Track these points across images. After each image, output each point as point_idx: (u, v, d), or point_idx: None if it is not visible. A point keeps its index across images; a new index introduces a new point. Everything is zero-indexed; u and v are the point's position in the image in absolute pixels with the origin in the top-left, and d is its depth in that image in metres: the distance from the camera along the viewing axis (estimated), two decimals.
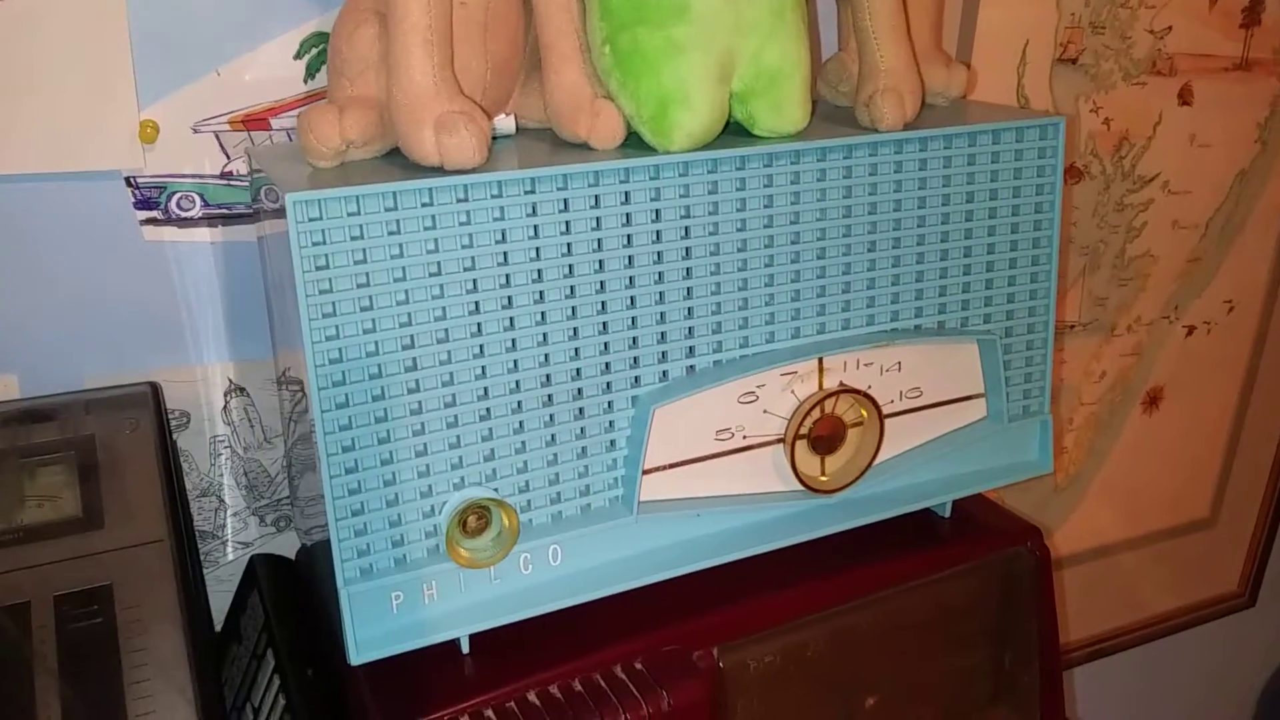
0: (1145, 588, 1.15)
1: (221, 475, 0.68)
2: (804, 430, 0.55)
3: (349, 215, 0.43)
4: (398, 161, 0.47)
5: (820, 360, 0.55)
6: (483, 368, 0.47)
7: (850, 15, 0.54)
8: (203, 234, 0.62)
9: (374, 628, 0.47)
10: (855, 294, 0.55)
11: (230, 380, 0.66)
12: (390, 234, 0.43)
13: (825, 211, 0.53)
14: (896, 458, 0.59)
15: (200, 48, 0.59)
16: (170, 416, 0.65)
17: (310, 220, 0.42)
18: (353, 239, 0.43)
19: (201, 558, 0.69)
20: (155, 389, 0.59)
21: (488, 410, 0.48)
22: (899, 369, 0.57)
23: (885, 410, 0.57)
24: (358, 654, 0.47)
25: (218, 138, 0.61)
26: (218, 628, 0.66)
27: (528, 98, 0.52)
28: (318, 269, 0.43)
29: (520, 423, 0.48)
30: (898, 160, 0.53)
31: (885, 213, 0.54)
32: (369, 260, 0.43)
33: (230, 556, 0.69)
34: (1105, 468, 1.05)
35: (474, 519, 0.48)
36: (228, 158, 0.61)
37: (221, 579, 0.69)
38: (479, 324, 0.46)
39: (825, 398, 0.54)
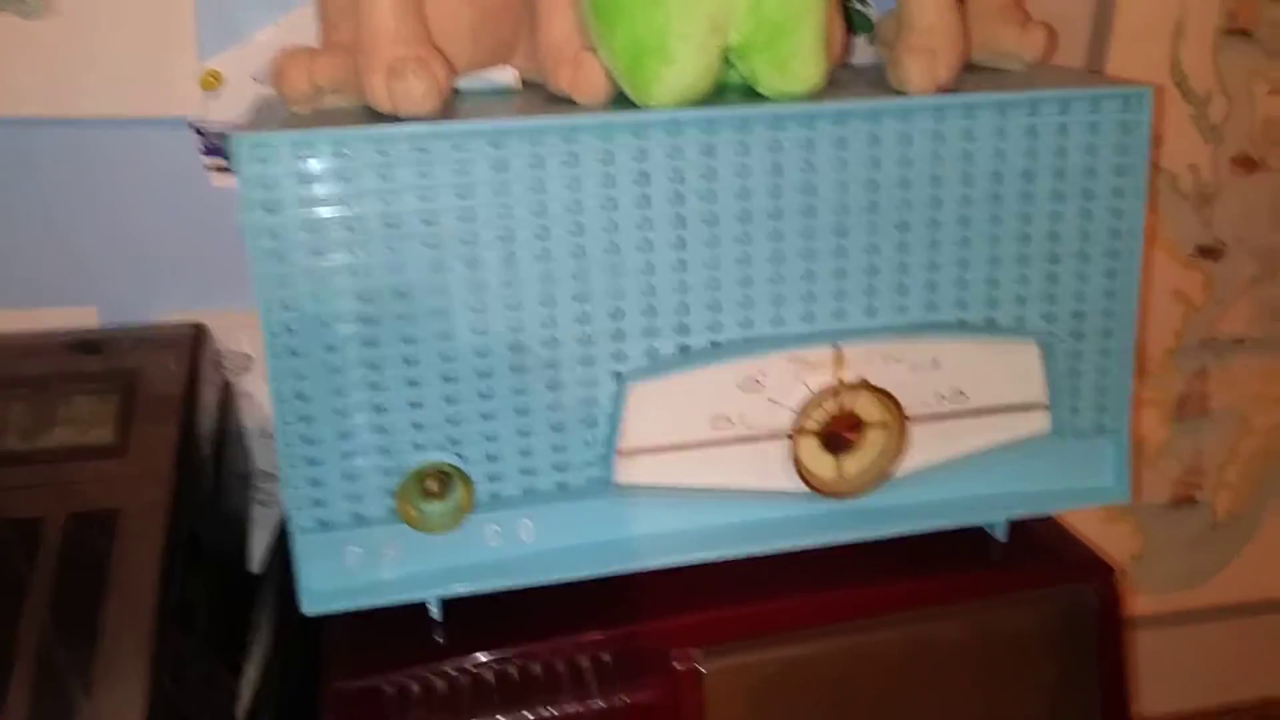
0: None
1: None
2: (811, 425, 0.50)
3: (299, 159, 0.42)
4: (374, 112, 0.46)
5: (838, 350, 0.50)
6: (446, 328, 0.45)
7: None
8: None
9: (328, 581, 0.47)
10: (881, 278, 0.49)
11: None
12: (344, 181, 0.43)
13: (846, 184, 0.47)
14: (935, 467, 0.53)
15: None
16: (235, 358, 0.68)
17: (259, 162, 0.42)
18: (303, 183, 0.42)
19: (265, 497, 0.72)
20: (200, 330, 0.62)
21: (452, 372, 0.46)
22: (935, 367, 0.51)
23: (919, 412, 0.51)
24: (308, 603, 0.47)
25: None
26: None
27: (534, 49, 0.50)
28: (266, 211, 0.42)
29: (489, 388, 0.47)
30: (937, 129, 0.47)
31: (920, 188, 0.48)
32: (321, 206, 0.43)
33: None
34: (1276, 508, 0.92)
35: (434, 483, 0.47)
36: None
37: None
38: (442, 282, 0.45)
39: (838, 391, 0.49)
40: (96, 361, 0.59)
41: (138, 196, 0.63)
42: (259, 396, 0.69)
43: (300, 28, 0.60)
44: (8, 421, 0.56)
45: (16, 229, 0.62)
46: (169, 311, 0.66)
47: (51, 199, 0.62)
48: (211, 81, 0.60)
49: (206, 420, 0.60)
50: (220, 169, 0.63)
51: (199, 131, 0.62)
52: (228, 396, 0.65)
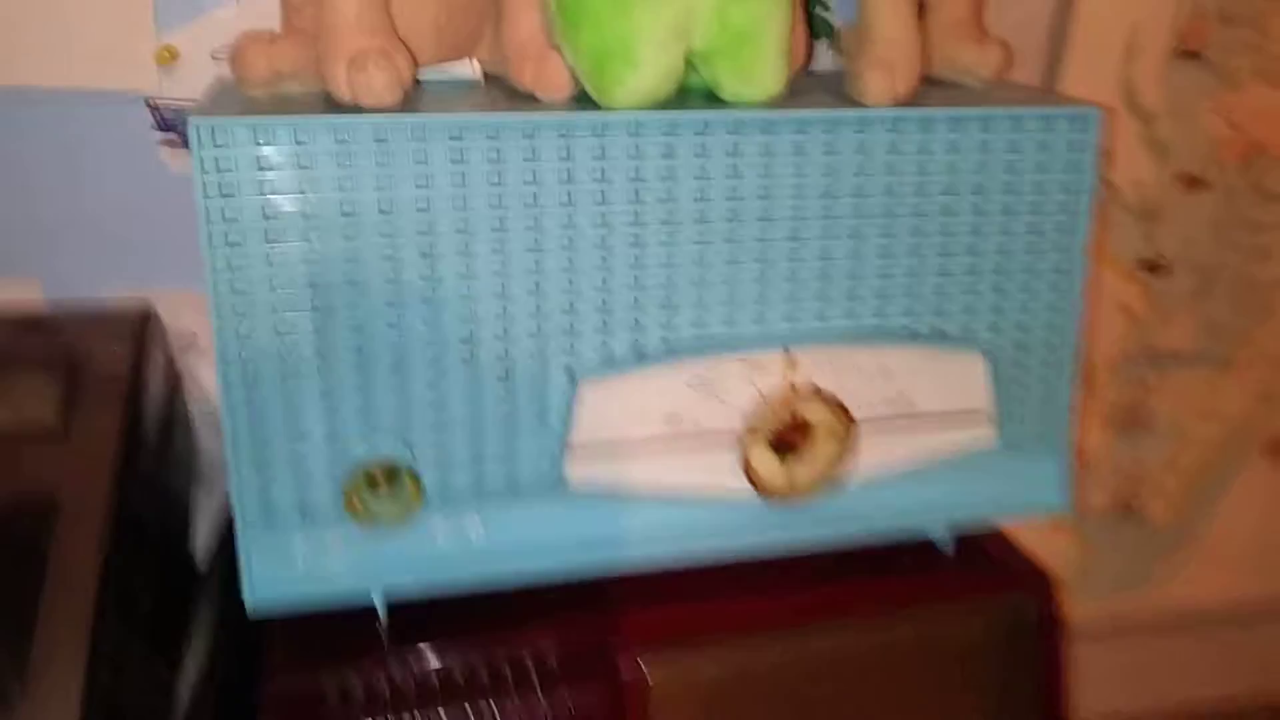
0: (1272, 659, 1.03)
1: None
2: (760, 428, 0.50)
3: (258, 145, 0.42)
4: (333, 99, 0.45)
5: (787, 352, 0.50)
6: (398, 318, 0.45)
7: None
8: None
9: (273, 576, 0.47)
10: (833, 284, 0.50)
11: None
12: (301, 168, 0.42)
13: (801, 189, 0.48)
14: (880, 474, 0.54)
15: None
16: (182, 337, 0.67)
17: (216, 146, 0.41)
18: (261, 169, 0.42)
19: (210, 484, 0.71)
20: (148, 310, 0.61)
21: (404, 365, 0.46)
22: (884, 374, 0.52)
23: (866, 418, 0.52)
24: (252, 598, 0.47)
25: None
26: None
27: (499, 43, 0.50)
28: (222, 195, 0.42)
29: (440, 381, 0.47)
30: (892, 140, 0.48)
31: (874, 197, 0.49)
32: (277, 193, 0.42)
33: None
34: (1214, 519, 0.94)
35: (382, 477, 0.46)
36: None
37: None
38: (396, 272, 0.45)
39: (788, 396, 0.50)
40: (39, 340, 0.57)
41: (87, 170, 0.62)
42: (205, 381, 0.68)
43: (259, 7, 0.59)
44: None
45: None
46: (115, 286, 0.65)
47: None
48: (167, 57, 0.59)
49: (152, 404, 0.59)
50: (172, 145, 0.62)
51: (152, 107, 0.61)
52: (174, 380, 0.64)
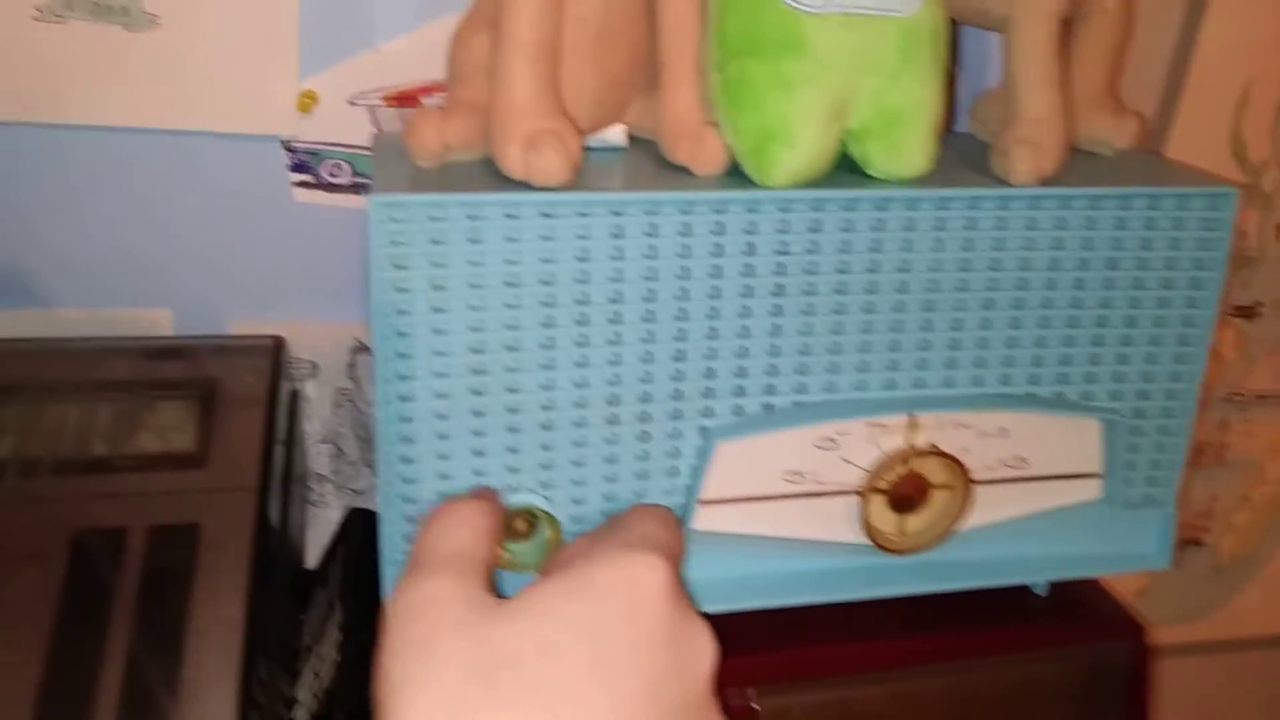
0: None
1: (341, 425, 0.72)
2: (881, 485, 0.52)
3: (431, 220, 0.43)
4: (497, 169, 0.47)
5: (913, 417, 0.52)
6: (550, 380, 0.47)
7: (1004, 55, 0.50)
8: (349, 200, 0.65)
9: None
10: (962, 352, 0.51)
11: (358, 340, 0.69)
12: (471, 242, 0.44)
13: (939, 263, 0.49)
14: (988, 527, 0.55)
15: (364, 24, 0.61)
16: (300, 365, 0.69)
17: (393, 221, 0.43)
18: (433, 243, 0.44)
19: (316, 498, 0.74)
20: (279, 342, 0.63)
21: (550, 421, 0.48)
22: (1004, 436, 0.53)
23: (981, 477, 0.54)
24: None
25: (371, 111, 0.63)
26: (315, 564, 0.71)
27: (650, 110, 0.51)
28: (395, 268, 0.44)
29: (583, 437, 0.48)
30: (1031, 216, 0.49)
31: (1009, 270, 0.50)
32: (447, 265, 0.44)
33: (341, 500, 0.73)
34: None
35: (522, 523, 0.49)
36: (379, 131, 0.64)
37: (331, 520, 0.73)
38: (551, 338, 0.46)
39: (909, 455, 0.51)
40: (181, 368, 0.60)
41: (221, 207, 0.64)
42: (316, 401, 0.71)
43: (400, 55, 0.61)
44: (93, 425, 0.57)
45: (101, 232, 0.63)
46: (242, 318, 0.67)
47: (137, 205, 0.63)
48: (307, 103, 0.61)
49: (281, 430, 0.61)
50: (305, 186, 0.64)
51: (289, 149, 0.63)
52: (295, 403, 0.67)
